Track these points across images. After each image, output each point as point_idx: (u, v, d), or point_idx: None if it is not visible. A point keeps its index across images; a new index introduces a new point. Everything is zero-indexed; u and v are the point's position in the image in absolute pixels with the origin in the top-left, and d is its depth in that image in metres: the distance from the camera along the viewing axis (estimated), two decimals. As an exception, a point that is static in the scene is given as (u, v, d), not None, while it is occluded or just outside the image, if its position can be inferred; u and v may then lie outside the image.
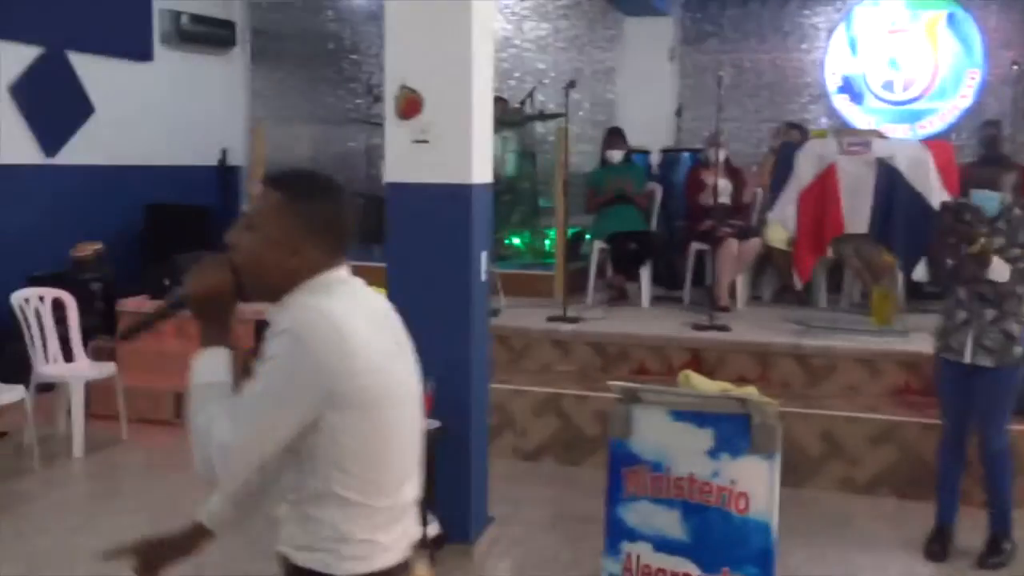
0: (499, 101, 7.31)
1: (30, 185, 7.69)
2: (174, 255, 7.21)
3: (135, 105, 8.73)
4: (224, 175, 9.98)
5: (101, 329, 7.06)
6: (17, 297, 6.01)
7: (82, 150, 8.22)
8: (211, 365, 1.98)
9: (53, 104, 7.90)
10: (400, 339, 2.07)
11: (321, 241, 1.98)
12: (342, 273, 2.02)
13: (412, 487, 2.06)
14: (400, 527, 2.02)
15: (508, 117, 8.58)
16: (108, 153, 8.44)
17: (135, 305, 7.02)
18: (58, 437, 6.03)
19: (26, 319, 5.96)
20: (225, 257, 2.01)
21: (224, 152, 9.98)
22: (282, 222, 1.97)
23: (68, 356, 6.18)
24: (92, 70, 8.30)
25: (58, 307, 6.18)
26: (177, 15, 9.21)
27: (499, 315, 6.54)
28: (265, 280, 1.98)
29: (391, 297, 4.52)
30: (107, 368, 6.20)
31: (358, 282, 2.06)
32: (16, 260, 7.18)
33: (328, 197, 2.03)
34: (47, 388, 6.06)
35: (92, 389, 6.05)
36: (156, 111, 8.97)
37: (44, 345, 6.04)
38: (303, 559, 1.96)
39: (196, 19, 9.44)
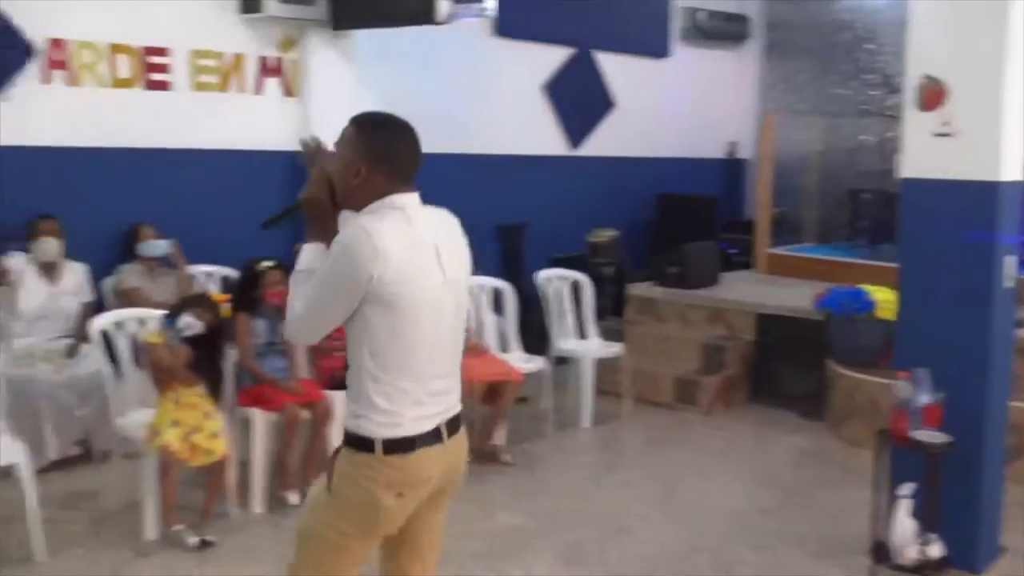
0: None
1: (557, 175, 8.40)
2: (681, 243, 7.48)
3: (651, 100, 9.17)
4: (732, 167, 10.14)
5: (612, 311, 7.53)
6: (542, 277, 6.61)
7: (602, 143, 8.81)
8: (310, 255, 2.48)
9: (579, 100, 8.56)
10: (444, 260, 2.47)
11: (380, 167, 2.44)
12: (398, 199, 2.44)
13: (440, 381, 2.51)
14: (425, 409, 2.47)
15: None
16: (625, 145, 8.96)
17: (642, 290, 7.40)
18: (568, 407, 6.51)
19: (548, 297, 6.54)
20: (325, 174, 2.48)
21: (733, 145, 10.14)
22: (350, 148, 2.46)
23: (582, 333, 6.67)
24: (615, 68, 8.84)
25: (575, 288, 6.70)
26: (695, 12, 9.49)
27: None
28: (342, 195, 2.48)
29: (903, 299, 4.32)
30: (615, 348, 6.59)
31: (416, 209, 2.48)
32: (543, 243, 7.90)
33: (389, 133, 2.49)
34: (562, 361, 6.59)
35: (600, 366, 6.47)
36: (670, 105, 9.34)
37: (562, 322, 6.58)
38: (351, 425, 2.46)
39: (713, 15, 9.65)
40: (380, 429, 2.42)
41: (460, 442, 2.60)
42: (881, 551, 4.17)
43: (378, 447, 2.41)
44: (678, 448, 6.02)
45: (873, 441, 4.27)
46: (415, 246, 2.42)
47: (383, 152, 2.46)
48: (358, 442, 2.44)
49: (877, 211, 8.72)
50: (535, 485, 5.30)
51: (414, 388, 2.45)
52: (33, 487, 4.15)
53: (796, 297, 6.88)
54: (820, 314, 6.34)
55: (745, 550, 4.50)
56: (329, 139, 6.89)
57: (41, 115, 5.61)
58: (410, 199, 2.48)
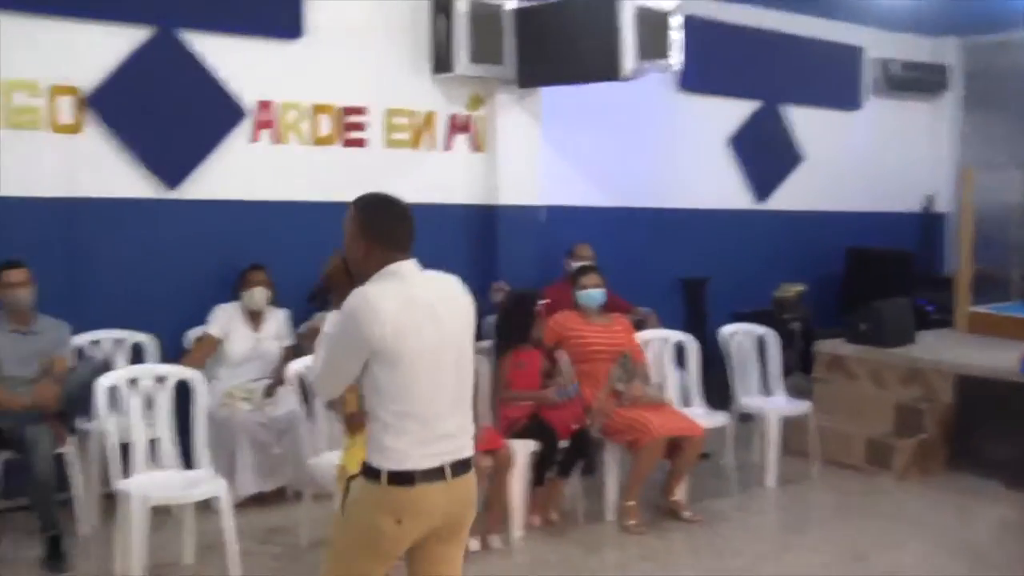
0: None
1: (742, 229, 8.29)
2: (872, 299, 7.19)
3: (841, 153, 8.94)
4: (928, 222, 9.72)
5: (799, 367, 7.30)
6: (726, 331, 6.50)
7: (790, 196, 8.64)
8: (332, 322, 2.85)
9: (766, 153, 8.43)
10: (440, 317, 2.79)
11: (379, 243, 2.82)
12: (395, 267, 2.80)
13: (447, 424, 2.80)
14: (431, 448, 2.76)
15: None
16: (814, 199, 8.75)
17: (832, 347, 7.14)
18: (752, 465, 6.34)
19: (731, 352, 6.41)
20: (339, 254, 2.97)
21: (929, 199, 9.72)
22: (353, 226, 2.85)
23: (767, 390, 6.50)
24: (803, 120, 8.68)
25: (760, 343, 6.54)
26: (888, 63, 9.22)
27: None
28: (353, 268, 2.88)
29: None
30: (803, 406, 6.38)
31: (412, 273, 2.83)
32: (726, 298, 7.78)
33: (382, 210, 2.88)
34: (746, 418, 6.42)
35: (786, 424, 6.27)
36: (861, 158, 9.08)
37: (746, 378, 6.43)
38: (367, 458, 2.79)
39: (908, 66, 9.35)
40: (387, 463, 2.74)
41: (467, 482, 2.86)
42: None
43: (383, 477, 2.74)
44: (869, 514, 5.73)
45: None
46: (410, 305, 2.76)
47: (378, 228, 2.84)
48: (369, 472, 2.77)
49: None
50: (718, 544, 5.15)
51: (419, 430, 2.76)
52: (232, 520, 4.37)
53: (1000, 358, 6.46)
54: (1027, 376, 5.95)
55: (943, 626, 4.24)
56: (512, 193, 7.07)
57: (250, 171, 5.98)
58: (406, 266, 2.84)
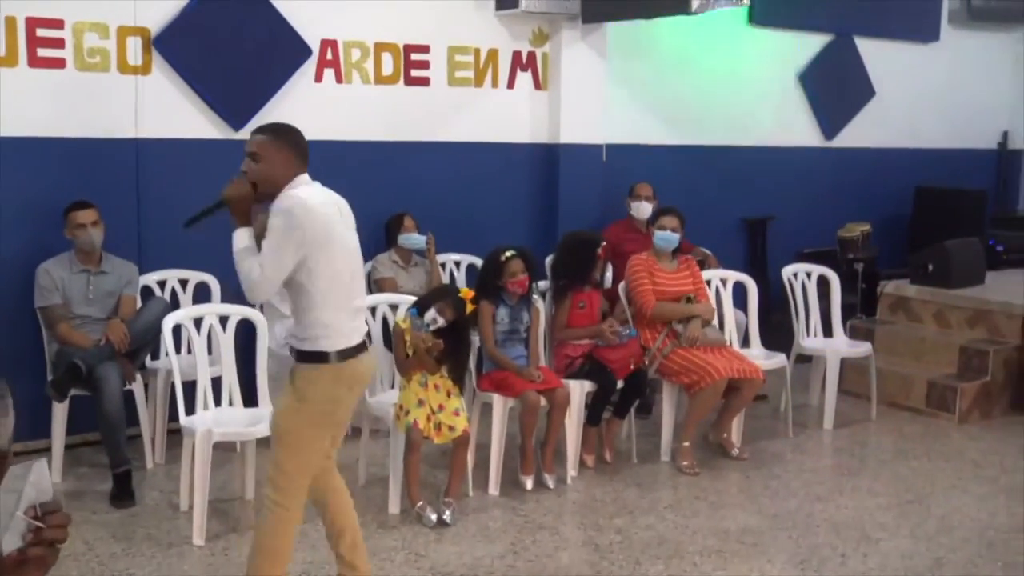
0: None
1: (808, 167, 8.13)
2: (942, 240, 7.06)
3: (915, 88, 8.68)
4: (1004, 159, 9.43)
5: (861, 309, 7.23)
6: (787, 271, 6.44)
7: (859, 133, 8.44)
8: (242, 238, 3.34)
9: (837, 89, 8.23)
10: (343, 212, 3.45)
11: (298, 158, 3.37)
12: (305, 177, 3.37)
13: (359, 302, 3.51)
14: (356, 322, 3.42)
15: None
16: (884, 136, 8.54)
17: (896, 288, 7.04)
18: (810, 408, 6.33)
19: (793, 293, 6.37)
20: (243, 178, 3.35)
21: (1005, 135, 9.42)
22: (275, 147, 3.34)
23: (828, 331, 6.45)
24: (877, 54, 8.44)
25: (822, 284, 6.48)
26: (971, -7, 8.89)
27: None
28: (267, 186, 3.33)
29: None
30: (863, 347, 6.33)
31: (313, 183, 3.40)
32: (790, 237, 7.69)
33: (297, 133, 3.43)
34: (805, 359, 6.40)
35: (846, 366, 6.23)
36: (936, 93, 8.81)
37: (807, 319, 6.40)
38: (303, 346, 3.36)
39: (991, -5, 9.00)
40: (332, 344, 3.31)
41: (371, 355, 3.53)
42: None
43: (333, 357, 3.30)
44: (929, 457, 5.72)
45: None
46: (326, 202, 3.36)
47: (298, 146, 3.39)
48: (316, 356, 3.31)
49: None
50: (772, 485, 5.19)
51: (347, 306, 3.36)
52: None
53: (1073, 300, 6.34)
54: (1099, 320, 5.82)
55: (998, 569, 4.23)
56: (575, 131, 6.97)
57: (314, 111, 6.03)
58: (307, 176, 3.39)
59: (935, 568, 4.26)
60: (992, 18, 9.12)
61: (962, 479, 5.35)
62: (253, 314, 4.81)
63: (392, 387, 4.97)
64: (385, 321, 5.06)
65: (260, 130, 3.45)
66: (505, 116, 6.76)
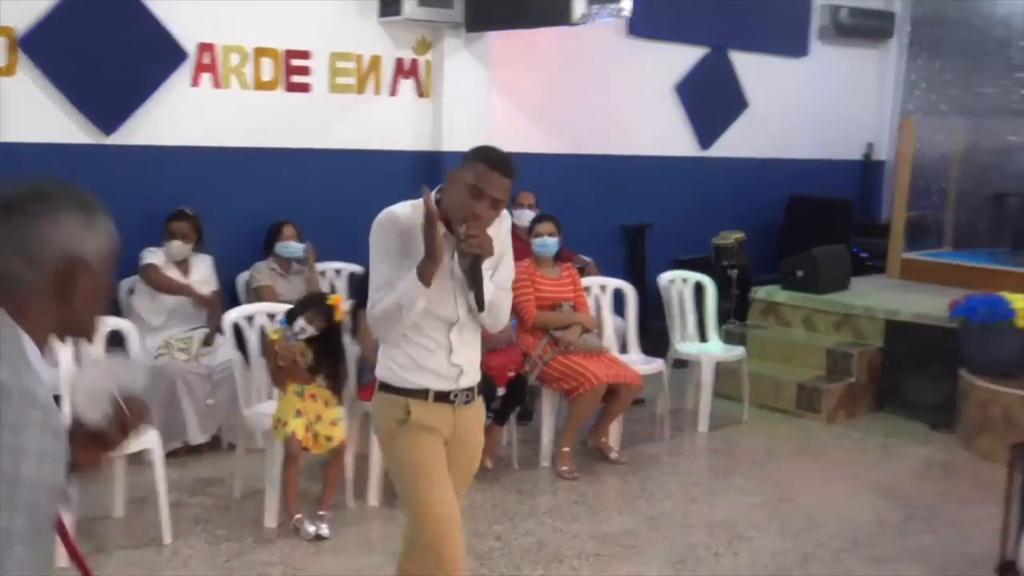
0: None
1: (685, 176, 8.36)
2: (811, 247, 7.34)
3: (787, 100, 9.00)
4: (868, 169, 9.87)
5: (735, 314, 7.46)
6: (664, 278, 6.60)
7: (733, 143, 8.71)
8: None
9: (712, 100, 8.48)
10: None
11: None
12: None
13: None
14: None
15: None
16: (757, 146, 8.83)
17: (767, 293, 7.29)
18: (686, 411, 6.50)
19: (669, 299, 6.53)
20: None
21: (870, 146, 9.86)
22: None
23: (703, 336, 6.63)
24: (750, 67, 8.72)
25: (698, 290, 6.67)
26: (836, 9, 9.26)
27: None
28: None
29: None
30: (736, 352, 6.53)
31: None
32: (667, 244, 7.88)
33: None
34: (682, 364, 6.57)
35: (720, 370, 6.42)
36: (806, 105, 9.15)
37: (683, 324, 6.56)
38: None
39: (855, 12, 9.40)
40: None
41: None
42: (1008, 571, 4.03)
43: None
44: (798, 456, 5.94)
45: (1007, 455, 4.13)
46: None
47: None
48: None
49: (1023, 216, 8.35)
50: (649, 488, 5.31)
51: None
52: (163, 472, 4.38)
53: (929, 304, 6.67)
54: (955, 322, 6.14)
55: (861, 563, 4.43)
56: (457, 139, 7.01)
57: (190, 116, 5.92)
58: None
59: (803, 563, 4.43)
60: (858, 35, 9.55)
61: (829, 477, 5.58)
62: (127, 326, 4.67)
63: (269, 398, 4.90)
64: (263, 331, 4.99)
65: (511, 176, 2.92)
66: (388, 124, 6.74)
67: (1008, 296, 5.97)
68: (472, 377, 3.06)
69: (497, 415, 5.40)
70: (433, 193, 2.91)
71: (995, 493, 4.29)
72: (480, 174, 2.84)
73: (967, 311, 6.07)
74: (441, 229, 2.87)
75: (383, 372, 3.03)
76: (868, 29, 9.63)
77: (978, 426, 5.93)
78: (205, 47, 5.94)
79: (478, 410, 3.16)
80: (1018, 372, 5.87)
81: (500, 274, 3.03)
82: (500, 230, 2.96)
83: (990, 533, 4.27)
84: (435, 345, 2.96)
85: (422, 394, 2.97)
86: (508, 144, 7.04)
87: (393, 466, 3.11)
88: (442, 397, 2.99)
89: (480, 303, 2.90)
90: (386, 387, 3.02)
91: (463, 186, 2.86)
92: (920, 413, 6.51)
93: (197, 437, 5.40)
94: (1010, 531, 4.06)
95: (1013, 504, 4.07)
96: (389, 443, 3.05)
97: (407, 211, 2.95)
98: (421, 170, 6.85)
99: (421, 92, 6.86)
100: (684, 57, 8.34)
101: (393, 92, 6.75)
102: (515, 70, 7.27)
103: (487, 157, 2.88)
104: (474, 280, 2.87)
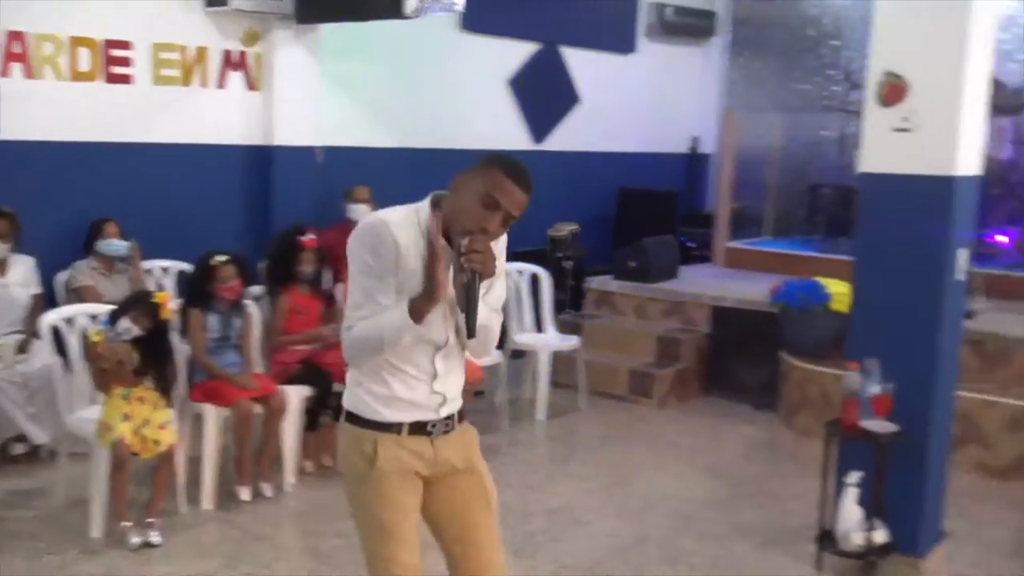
0: (997, 86, 6.68)
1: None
2: (641, 237, 7.56)
3: (616, 95, 9.24)
4: (694, 162, 10.24)
5: (570, 304, 7.61)
6: (501, 271, 6.65)
7: (566, 137, 8.88)
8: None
9: (544, 95, 8.62)
10: None
11: None
12: None
13: None
14: None
15: (1004, 102, 7.83)
16: (589, 140, 9.03)
17: (600, 283, 7.47)
18: (524, 401, 6.59)
19: (506, 291, 6.58)
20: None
21: (695, 140, 10.23)
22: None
23: (540, 327, 6.74)
24: (581, 63, 8.90)
25: (534, 281, 6.77)
26: (662, 8, 9.56)
27: (974, 318, 6.02)
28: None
29: (857, 291, 4.38)
30: (572, 341, 6.67)
31: None
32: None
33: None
34: (519, 355, 6.65)
35: (557, 359, 6.54)
36: (634, 101, 9.42)
37: (519, 316, 6.64)
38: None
39: (680, 11, 9.73)
40: None
41: None
42: (827, 538, 4.28)
43: None
44: (632, 441, 6.11)
45: (823, 431, 4.35)
46: None
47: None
48: None
49: (835, 205, 8.84)
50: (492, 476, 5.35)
51: None
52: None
53: (752, 290, 6.98)
54: (775, 307, 6.43)
55: (693, 540, 4.60)
56: (289, 133, 6.87)
57: (0, 108, 5.60)
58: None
59: (639, 543, 4.56)
60: (683, 33, 9.89)
61: (662, 459, 5.77)
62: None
63: (93, 403, 4.69)
64: (84, 333, 4.77)
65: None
66: (216, 117, 6.56)
67: (823, 281, 6.29)
68: (454, 405, 2.71)
69: (335, 412, 5.33)
70: (430, 198, 2.60)
71: (814, 467, 4.53)
72: (496, 182, 2.47)
73: (786, 296, 6.37)
74: (440, 241, 2.53)
75: (351, 400, 2.67)
76: (692, 28, 9.99)
77: (797, 405, 6.24)
78: (15, 35, 5.63)
79: (466, 434, 2.81)
80: (833, 353, 6.18)
81: (492, 293, 2.66)
82: (498, 246, 2.59)
83: (810, 505, 4.50)
84: (417, 371, 2.61)
85: (395, 428, 2.62)
86: (342, 138, 7.14)
87: (358, 517, 2.73)
88: (418, 428, 2.64)
89: (471, 328, 2.53)
90: (353, 418, 2.66)
91: (473, 194, 2.48)
92: (745, 395, 6.80)
93: (39, 436, 5.13)
94: (828, 502, 4.30)
95: (830, 477, 4.31)
96: (356, 488, 2.68)
97: (400, 218, 2.55)
98: (252, 164, 6.71)
99: (251, 85, 6.71)
100: (517, 52, 8.44)
101: (221, 85, 6.57)
102: (347, 63, 7.20)
103: (505, 164, 2.50)
104: (468, 300, 2.49)
